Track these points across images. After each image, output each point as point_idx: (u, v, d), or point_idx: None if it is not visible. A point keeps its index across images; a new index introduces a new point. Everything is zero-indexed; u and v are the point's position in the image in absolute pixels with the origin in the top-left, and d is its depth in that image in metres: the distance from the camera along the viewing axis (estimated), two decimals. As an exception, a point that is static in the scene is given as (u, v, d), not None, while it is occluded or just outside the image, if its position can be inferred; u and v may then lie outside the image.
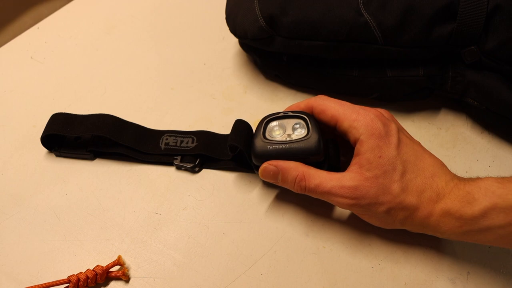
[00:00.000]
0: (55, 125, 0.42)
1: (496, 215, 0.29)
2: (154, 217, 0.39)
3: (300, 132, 0.36)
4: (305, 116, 0.36)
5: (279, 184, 0.36)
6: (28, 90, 0.49)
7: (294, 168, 0.34)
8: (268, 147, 0.35)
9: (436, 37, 0.39)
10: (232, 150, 0.38)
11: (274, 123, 0.37)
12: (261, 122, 0.37)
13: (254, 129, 0.38)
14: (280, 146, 0.35)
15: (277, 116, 0.37)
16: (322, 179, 0.33)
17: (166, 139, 0.43)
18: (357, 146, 0.34)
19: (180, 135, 0.43)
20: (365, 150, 0.33)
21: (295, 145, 0.35)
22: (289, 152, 0.35)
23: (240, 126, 0.39)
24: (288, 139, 0.35)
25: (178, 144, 0.42)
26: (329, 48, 0.41)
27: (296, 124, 0.36)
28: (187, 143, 0.42)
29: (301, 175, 0.34)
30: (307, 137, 0.35)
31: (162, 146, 0.42)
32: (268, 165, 0.35)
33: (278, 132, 0.36)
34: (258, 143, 0.36)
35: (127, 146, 0.41)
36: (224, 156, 0.41)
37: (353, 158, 0.34)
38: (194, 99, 0.48)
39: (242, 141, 0.37)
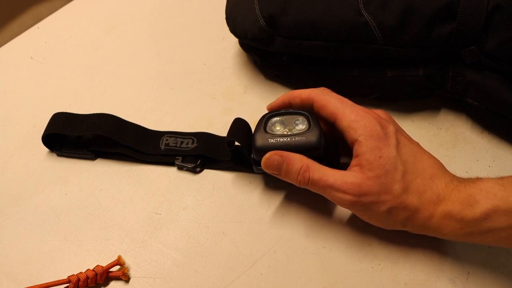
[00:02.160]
0: (57, 124, 0.42)
1: (497, 217, 0.29)
2: (154, 217, 0.39)
3: (301, 127, 0.36)
4: (306, 113, 0.36)
5: (281, 176, 0.35)
6: (28, 90, 0.49)
7: (299, 159, 0.34)
8: (269, 140, 0.35)
9: (436, 37, 0.39)
10: (230, 146, 0.38)
11: (275, 119, 0.37)
12: (262, 118, 0.37)
13: (253, 128, 0.38)
14: (282, 139, 0.35)
15: (278, 112, 0.37)
16: (325, 173, 0.33)
17: (166, 139, 0.43)
18: (356, 147, 0.34)
19: (180, 136, 0.43)
20: (364, 151, 0.33)
21: (296, 138, 0.35)
22: (290, 146, 0.35)
23: (239, 123, 0.39)
24: (289, 133, 0.36)
25: (178, 145, 0.42)
26: (329, 48, 0.41)
27: (297, 120, 0.36)
28: (187, 144, 0.42)
29: (305, 166, 0.34)
30: (308, 131, 0.35)
31: (162, 147, 0.42)
32: (273, 155, 0.34)
33: (279, 128, 0.36)
34: (259, 136, 0.36)
35: (128, 146, 0.41)
36: (224, 157, 0.41)
37: (352, 159, 0.34)
38: (194, 99, 0.48)
39: (240, 136, 0.37)
